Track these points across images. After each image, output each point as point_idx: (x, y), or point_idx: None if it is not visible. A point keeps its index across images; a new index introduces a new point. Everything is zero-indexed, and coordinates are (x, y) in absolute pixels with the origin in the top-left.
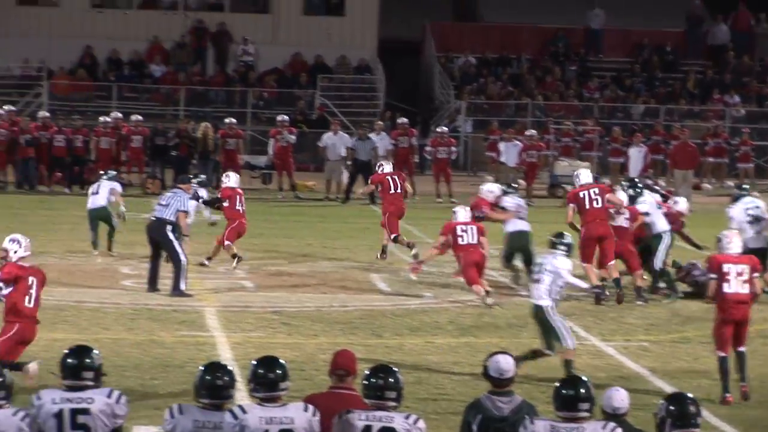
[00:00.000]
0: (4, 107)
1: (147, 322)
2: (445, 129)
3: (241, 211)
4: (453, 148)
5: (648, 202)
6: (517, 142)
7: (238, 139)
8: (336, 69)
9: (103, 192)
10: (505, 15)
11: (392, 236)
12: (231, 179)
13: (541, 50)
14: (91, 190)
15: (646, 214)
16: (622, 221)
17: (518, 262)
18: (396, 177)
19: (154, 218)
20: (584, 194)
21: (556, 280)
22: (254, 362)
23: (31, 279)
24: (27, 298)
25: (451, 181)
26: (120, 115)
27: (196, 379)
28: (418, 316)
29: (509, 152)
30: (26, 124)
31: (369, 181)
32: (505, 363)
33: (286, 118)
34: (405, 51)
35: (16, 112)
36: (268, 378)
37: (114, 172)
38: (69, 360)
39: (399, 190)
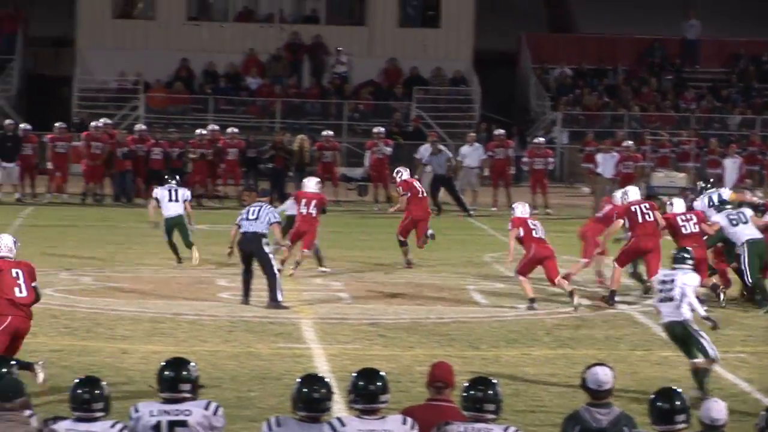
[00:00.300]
0: (101, 120)
1: (244, 334)
2: (542, 140)
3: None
4: (550, 159)
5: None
6: (615, 154)
7: (335, 152)
8: (431, 81)
9: (180, 200)
10: (601, 26)
11: (400, 238)
12: (311, 183)
13: (637, 61)
14: (164, 197)
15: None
16: (691, 227)
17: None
18: (419, 182)
19: (247, 232)
20: (636, 209)
21: (683, 296)
22: (355, 374)
23: (15, 271)
24: (17, 289)
25: (547, 192)
26: (217, 127)
27: (293, 392)
28: (515, 328)
29: (606, 163)
30: (123, 137)
31: (399, 189)
32: (604, 375)
33: (382, 130)
34: (500, 62)
35: (113, 125)
36: (368, 390)
37: (178, 178)
38: (166, 372)
39: (425, 195)
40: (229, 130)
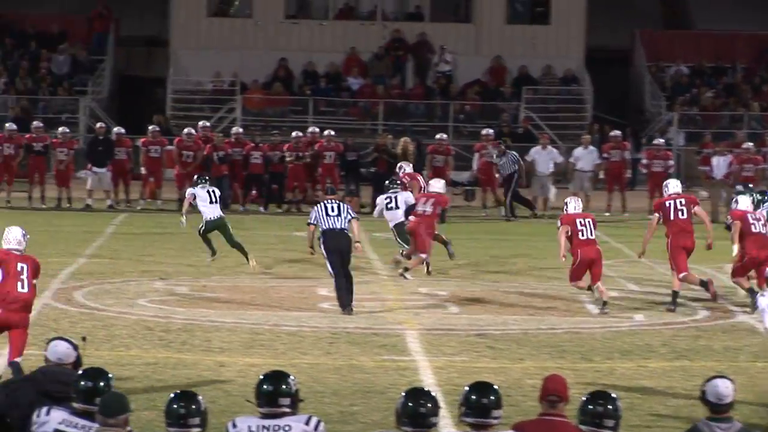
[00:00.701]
0: (199, 123)
1: (346, 346)
2: (662, 141)
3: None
4: (670, 162)
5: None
6: (728, 156)
7: (446, 156)
8: (541, 80)
9: (219, 200)
10: (718, 22)
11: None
12: (438, 184)
13: (757, 58)
14: (205, 198)
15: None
16: (760, 227)
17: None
18: (421, 177)
19: (334, 228)
20: (670, 204)
21: None
22: (468, 387)
23: (20, 265)
24: (19, 283)
25: None
26: (317, 129)
27: (397, 406)
28: (630, 339)
29: (720, 166)
30: (220, 141)
31: (408, 184)
32: (724, 388)
33: (491, 131)
34: (613, 60)
35: (210, 127)
36: (481, 404)
37: (208, 178)
38: (265, 386)
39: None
40: (326, 132)
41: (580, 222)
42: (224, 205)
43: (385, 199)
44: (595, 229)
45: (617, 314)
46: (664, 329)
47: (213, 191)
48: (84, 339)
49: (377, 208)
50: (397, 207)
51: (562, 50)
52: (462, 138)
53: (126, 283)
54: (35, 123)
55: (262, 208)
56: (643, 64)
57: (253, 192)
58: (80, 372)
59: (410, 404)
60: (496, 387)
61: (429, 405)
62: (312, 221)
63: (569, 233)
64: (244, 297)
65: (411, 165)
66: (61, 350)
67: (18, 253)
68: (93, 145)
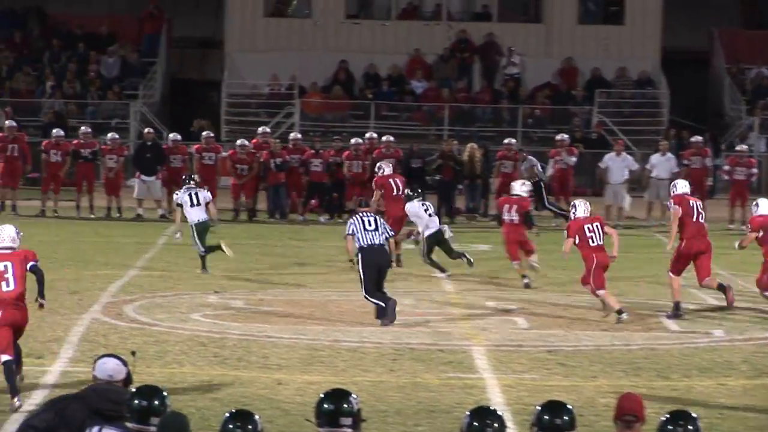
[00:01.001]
0: (259, 129)
1: (410, 363)
2: (745, 147)
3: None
4: (753, 170)
5: None
6: None
7: (516, 162)
8: (615, 83)
9: (203, 203)
10: None
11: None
12: (517, 186)
13: None
14: (186, 202)
15: None
16: None
17: None
18: (398, 180)
19: (374, 244)
20: (693, 204)
21: None
22: (540, 406)
23: (2, 264)
24: (3, 283)
25: (747, 205)
26: (375, 135)
27: (462, 426)
28: (708, 355)
29: None
30: (277, 148)
31: (373, 185)
32: None
33: (566, 137)
34: (691, 62)
35: (269, 133)
36: (554, 424)
37: (195, 178)
38: (325, 405)
39: (401, 193)
40: (384, 138)
41: (588, 228)
42: (282, 215)
43: (422, 205)
44: (603, 233)
45: (695, 329)
46: (745, 345)
47: (195, 193)
48: (134, 354)
49: (415, 217)
50: (437, 213)
51: (636, 51)
52: (531, 144)
53: (179, 297)
54: (83, 128)
55: (323, 218)
56: (722, 65)
57: (313, 201)
58: (134, 390)
59: (476, 424)
60: (569, 406)
61: (496, 425)
62: (350, 233)
63: (576, 242)
64: (303, 311)
65: (391, 166)
66: (110, 367)
67: (8, 251)
68: (141, 152)
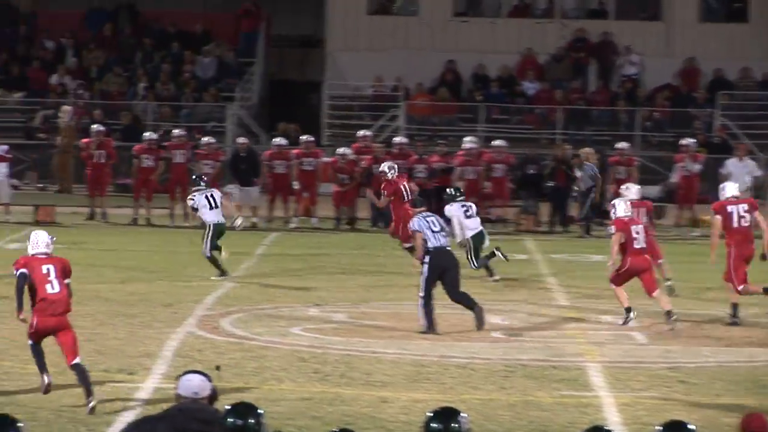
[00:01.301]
0: (359, 133)
1: (522, 380)
2: None
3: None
4: None
5: None
6: None
7: (629, 167)
8: (738, 84)
9: (219, 204)
10: None
11: (405, 246)
12: (634, 189)
13: None
14: (205, 205)
15: None
16: None
17: None
18: (407, 184)
19: (440, 247)
20: (733, 209)
21: None
22: (660, 426)
23: (45, 267)
24: (48, 285)
25: None
26: (475, 139)
27: None
28: None
29: None
30: (380, 152)
31: (383, 190)
32: None
33: (692, 141)
34: None
35: (371, 137)
36: None
37: (205, 178)
38: (433, 424)
39: (411, 197)
40: (495, 143)
41: (635, 230)
42: (386, 224)
43: (462, 207)
44: (646, 236)
45: None
46: None
47: (212, 196)
48: (218, 369)
49: (455, 220)
50: (476, 215)
51: (762, 51)
52: (650, 148)
53: (278, 310)
54: (176, 131)
55: None
56: None
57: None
58: (228, 408)
59: None
60: (691, 426)
61: None
62: (417, 228)
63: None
64: (408, 325)
65: (396, 169)
66: (195, 384)
67: (44, 256)
68: (235, 163)
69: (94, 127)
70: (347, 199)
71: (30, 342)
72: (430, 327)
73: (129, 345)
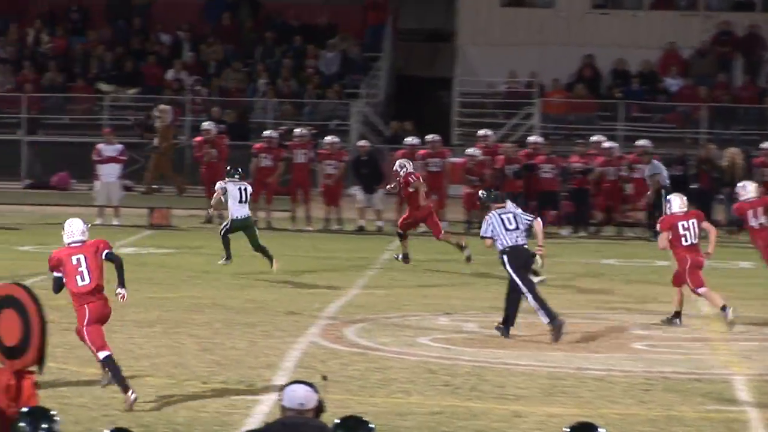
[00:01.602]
0: (480, 132)
1: (663, 394)
2: None
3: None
4: None
5: None
6: None
7: None
8: None
9: (249, 199)
10: None
11: (399, 231)
12: (751, 188)
13: None
14: (236, 196)
15: None
16: None
17: None
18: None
19: (517, 246)
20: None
21: None
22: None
23: (75, 258)
24: (78, 277)
25: None
26: (603, 138)
27: None
28: None
29: None
30: (513, 152)
31: (401, 181)
32: None
33: None
34: None
35: (492, 137)
36: None
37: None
38: None
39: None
40: (639, 142)
41: (683, 225)
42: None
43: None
44: (699, 231)
45: None
46: None
47: (244, 189)
48: (325, 378)
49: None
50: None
51: None
52: None
53: (405, 319)
54: (298, 130)
55: (564, 232)
56: None
57: (552, 212)
58: (336, 422)
59: None
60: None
61: None
62: (488, 234)
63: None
64: (543, 335)
65: (411, 164)
66: (300, 395)
67: (77, 245)
68: (357, 167)
69: (205, 124)
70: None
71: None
72: (552, 318)
73: (248, 355)
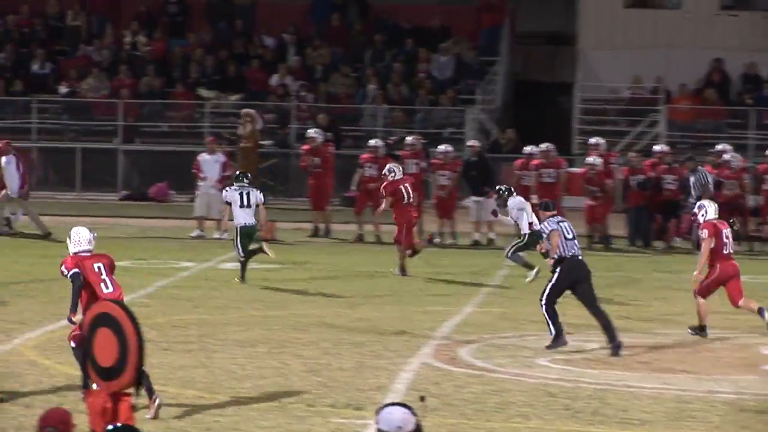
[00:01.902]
0: (591, 141)
1: None
2: None
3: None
4: None
5: None
6: None
7: None
8: None
9: (253, 204)
10: None
11: (409, 251)
12: None
13: None
14: (236, 201)
15: None
16: None
17: None
18: (408, 185)
19: (579, 257)
20: None
21: None
22: None
23: (96, 266)
24: (102, 285)
25: None
26: (728, 147)
27: None
28: None
29: None
30: (638, 162)
31: (381, 191)
32: None
33: None
34: None
35: (603, 146)
36: None
37: (250, 176)
38: None
39: (412, 200)
40: (726, 154)
41: (725, 234)
42: (646, 243)
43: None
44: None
45: None
46: None
47: (247, 193)
48: (423, 400)
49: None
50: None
51: None
52: None
53: (523, 339)
54: (409, 138)
55: (674, 239)
56: None
57: (674, 224)
58: None
59: None
60: None
61: None
62: (555, 228)
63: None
64: (670, 356)
65: (401, 170)
66: (398, 417)
67: (89, 253)
68: (466, 169)
69: (310, 132)
70: (599, 215)
71: (73, 345)
72: (559, 334)
73: (357, 377)
